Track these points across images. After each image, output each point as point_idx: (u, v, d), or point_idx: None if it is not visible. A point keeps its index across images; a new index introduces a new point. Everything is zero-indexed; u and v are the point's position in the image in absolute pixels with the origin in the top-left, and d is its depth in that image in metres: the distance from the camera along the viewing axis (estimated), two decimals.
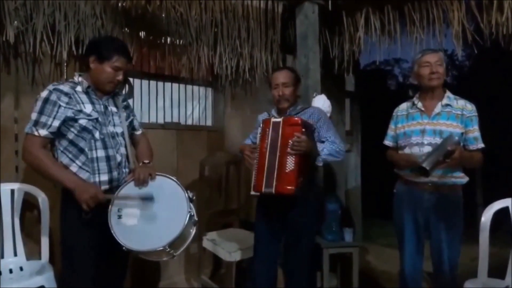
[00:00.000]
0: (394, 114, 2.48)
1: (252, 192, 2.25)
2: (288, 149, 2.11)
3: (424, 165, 2.00)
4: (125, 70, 2.00)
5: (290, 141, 2.11)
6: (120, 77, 1.97)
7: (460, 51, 2.99)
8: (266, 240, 2.38)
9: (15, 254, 2.47)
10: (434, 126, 2.24)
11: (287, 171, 2.11)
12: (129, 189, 1.96)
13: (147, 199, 1.90)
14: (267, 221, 2.37)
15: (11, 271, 2.38)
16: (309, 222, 2.34)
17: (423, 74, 2.28)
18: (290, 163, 2.12)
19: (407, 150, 2.32)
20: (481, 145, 2.23)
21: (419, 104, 2.33)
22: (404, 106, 2.45)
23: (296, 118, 2.21)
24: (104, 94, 2.02)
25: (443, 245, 2.23)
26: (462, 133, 2.21)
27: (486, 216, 2.44)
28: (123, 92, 3.07)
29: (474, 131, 2.23)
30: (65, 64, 2.77)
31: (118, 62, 1.94)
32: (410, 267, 2.36)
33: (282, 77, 2.40)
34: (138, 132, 2.26)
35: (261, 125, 2.27)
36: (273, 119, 2.23)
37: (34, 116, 1.85)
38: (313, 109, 2.46)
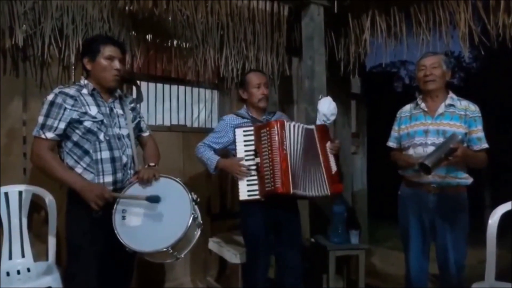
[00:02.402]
0: (397, 115, 2.50)
1: (258, 196, 2.31)
2: (329, 151, 2.40)
3: (426, 162, 2.00)
4: (120, 59, 2.00)
5: (326, 145, 2.40)
6: (117, 65, 1.97)
7: (467, 53, 2.98)
8: (264, 241, 2.42)
9: (23, 256, 2.49)
10: (437, 126, 2.25)
11: (333, 172, 2.39)
12: (134, 190, 1.97)
13: (154, 200, 1.90)
14: (262, 223, 2.40)
15: (18, 272, 2.40)
16: (299, 219, 2.55)
17: (419, 77, 2.34)
18: (333, 164, 2.40)
19: (410, 151, 2.32)
20: (485, 145, 2.23)
21: (422, 105, 2.34)
22: (407, 107, 2.46)
23: (325, 125, 2.51)
24: (110, 94, 2.05)
25: (448, 247, 2.22)
26: (465, 134, 2.21)
27: (494, 219, 2.42)
28: (133, 96, 3.09)
29: (478, 132, 2.22)
30: (73, 67, 2.79)
31: (108, 51, 1.96)
32: (416, 269, 2.35)
33: (263, 77, 2.54)
34: (146, 134, 2.28)
35: (266, 128, 2.32)
36: (303, 126, 2.40)
37: (40, 119, 1.88)
38: (278, 113, 2.71)
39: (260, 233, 2.40)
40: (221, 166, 2.41)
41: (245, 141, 2.37)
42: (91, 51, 1.97)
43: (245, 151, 2.36)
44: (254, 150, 2.33)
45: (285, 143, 2.27)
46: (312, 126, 2.44)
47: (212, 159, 2.43)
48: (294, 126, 2.35)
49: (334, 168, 2.39)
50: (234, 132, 2.40)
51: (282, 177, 2.22)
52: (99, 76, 1.98)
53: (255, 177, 2.32)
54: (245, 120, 2.50)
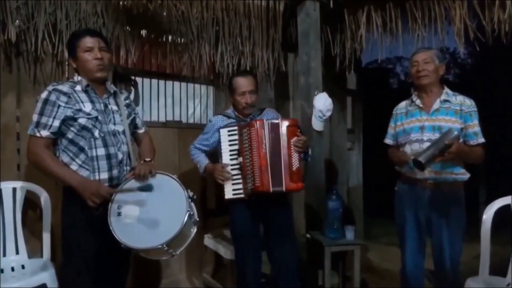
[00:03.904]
0: (393, 112, 2.50)
1: (242, 195, 2.34)
2: (293, 147, 2.30)
3: (419, 158, 2.01)
4: (101, 48, 1.96)
5: (291, 140, 2.30)
6: (97, 55, 1.94)
7: (462, 49, 2.98)
8: (252, 238, 2.44)
9: (17, 252, 2.48)
10: (433, 122, 2.25)
11: (294, 169, 2.30)
12: (130, 186, 1.96)
13: (146, 189, 1.89)
14: (250, 220, 2.42)
15: (13, 269, 2.39)
16: (290, 214, 2.56)
17: (412, 73, 2.35)
18: (296, 161, 2.31)
19: (407, 147, 2.33)
20: (481, 140, 2.23)
21: (418, 101, 2.35)
22: (403, 104, 2.47)
23: (293, 119, 2.44)
24: (104, 90, 2.03)
25: (444, 243, 2.23)
26: (461, 129, 2.21)
27: (488, 214, 2.44)
28: (131, 97, 3.07)
29: (474, 126, 2.22)
30: (67, 63, 2.76)
31: (85, 43, 1.94)
32: (412, 265, 2.36)
33: (249, 84, 2.47)
34: (141, 131, 2.27)
35: (247, 128, 2.33)
36: (271, 121, 2.35)
37: (35, 117, 1.87)
38: (267, 110, 2.63)
39: (246, 230, 2.43)
40: (208, 170, 2.49)
41: (229, 140, 2.39)
42: (72, 49, 1.97)
43: (230, 150, 2.39)
44: (238, 150, 2.36)
45: (264, 142, 2.29)
46: (278, 120, 2.36)
47: (201, 162, 2.52)
48: (269, 123, 2.34)
49: (296, 165, 2.30)
50: (219, 132, 2.42)
51: (261, 176, 2.26)
52: (85, 70, 1.96)
53: (240, 176, 2.35)
54: (231, 120, 2.52)
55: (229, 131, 2.40)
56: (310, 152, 2.48)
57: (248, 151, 2.31)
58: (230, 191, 2.37)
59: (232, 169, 2.37)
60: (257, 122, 2.32)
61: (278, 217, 2.46)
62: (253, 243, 2.44)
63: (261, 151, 2.29)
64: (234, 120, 2.51)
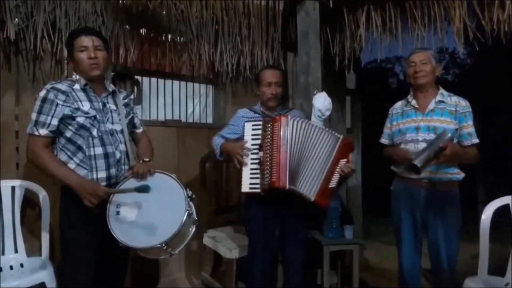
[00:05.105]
0: (389, 112, 2.51)
1: (259, 189, 2.28)
2: (338, 168, 2.27)
3: (415, 162, 2.01)
4: (97, 46, 1.94)
5: (341, 160, 2.27)
6: (90, 54, 1.92)
7: (462, 49, 2.98)
8: (263, 236, 2.41)
9: (16, 251, 2.48)
10: (428, 122, 2.26)
11: (330, 186, 2.27)
12: (129, 185, 1.96)
13: (143, 190, 1.87)
14: (264, 217, 2.40)
15: (11, 267, 2.39)
16: (303, 216, 2.47)
17: (409, 73, 2.34)
18: (335, 180, 2.28)
19: (402, 147, 2.33)
20: (475, 140, 2.24)
21: (413, 102, 2.35)
22: (399, 104, 2.47)
23: (352, 143, 2.39)
24: (103, 89, 2.03)
25: (440, 242, 2.23)
26: (456, 129, 2.22)
27: (487, 214, 2.44)
28: (132, 96, 3.07)
29: (469, 127, 2.23)
30: (66, 61, 2.77)
31: (80, 42, 1.93)
32: (408, 264, 2.37)
33: (276, 76, 2.49)
34: (139, 130, 2.27)
35: (270, 123, 2.30)
36: (332, 132, 2.33)
37: (33, 116, 1.87)
38: (295, 112, 2.63)
39: (260, 224, 2.40)
40: (224, 148, 2.44)
41: (252, 135, 2.35)
42: (69, 49, 1.97)
43: (252, 145, 2.34)
44: (259, 144, 2.32)
45: (286, 138, 2.26)
46: (341, 136, 2.32)
47: (218, 143, 2.48)
48: (306, 123, 2.31)
49: (333, 184, 2.27)
50: (244, 125, 2.40)
51: (279, 172, 2.22)
52: (80, 70, 1.95)
53: (258, 171, 2.30)
54: (257, 115, 2.51)
55: (253, 125, 2.36)
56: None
57: (269, 146, 2.27)
58: (247, 185, 2.31)
59: (252, 163, 2.31)
60: (282, 118, 2.28)
61: (292, 217, 2.42)
62: (263, 242, 2.40)
63: (281, 147, 2.24)
64: (259, 115, 2.49)
